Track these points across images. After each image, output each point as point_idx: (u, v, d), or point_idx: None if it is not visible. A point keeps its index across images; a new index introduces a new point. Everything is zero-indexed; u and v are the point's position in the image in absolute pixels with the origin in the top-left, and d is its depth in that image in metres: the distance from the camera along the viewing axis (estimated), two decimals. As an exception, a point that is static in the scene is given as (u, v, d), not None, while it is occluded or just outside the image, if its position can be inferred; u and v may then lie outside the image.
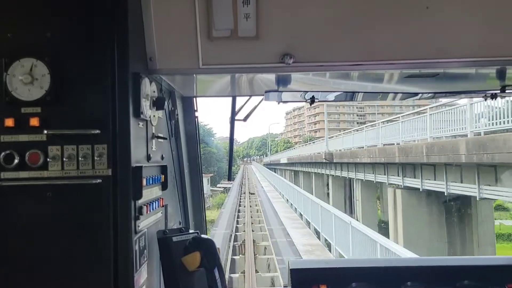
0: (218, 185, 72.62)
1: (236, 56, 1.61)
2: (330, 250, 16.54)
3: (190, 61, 1.61)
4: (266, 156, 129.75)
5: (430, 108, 17.28)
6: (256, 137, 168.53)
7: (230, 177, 3.55)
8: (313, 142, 54.62)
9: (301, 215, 25.94)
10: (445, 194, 16.64)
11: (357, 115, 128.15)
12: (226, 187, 62.82)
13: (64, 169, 1.39)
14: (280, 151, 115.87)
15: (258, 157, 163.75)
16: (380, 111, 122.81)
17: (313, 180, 45.32)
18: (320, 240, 18.58)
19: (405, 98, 2.29)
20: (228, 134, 2.44)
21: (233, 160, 2.71)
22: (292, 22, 1.60)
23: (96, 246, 1.38)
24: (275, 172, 67.27)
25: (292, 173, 63.11)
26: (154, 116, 1.70)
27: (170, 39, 1.61)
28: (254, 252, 16.30)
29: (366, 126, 29.20)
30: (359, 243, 12.51)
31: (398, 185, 20.41)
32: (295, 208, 28.91)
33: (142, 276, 1.52)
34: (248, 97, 2.24)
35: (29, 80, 1.38)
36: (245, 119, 2.26)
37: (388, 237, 14.24)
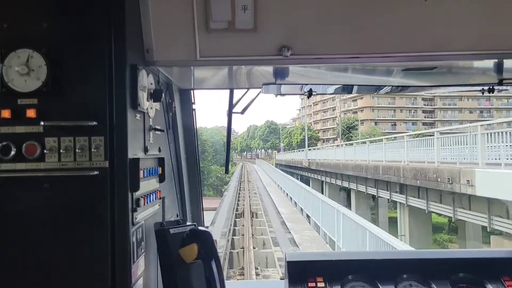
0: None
1: (233, 48, 1.61)
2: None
3: (188, 53, 1.60)
4: (279, 151, 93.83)
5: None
6: (261, 127, 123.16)
7: (227, 170, 3.57)
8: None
9: None
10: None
11: (423, 111, 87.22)
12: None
13: (61, 160, 1.39)
14: (296, 143, 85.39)
15: (263, 150, 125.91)
16: (458, 106, 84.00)
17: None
18: None
19: (402, 91, 2.28)
20: (222, 124, 2.28)
21: (230, 155, 2.72)
22: (290, 14, 1.59)
23: (93, 238, 1.38)
24: (307, 184, 36.29)
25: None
26: (151, 108, 1.69)
27: (168, 30, 1.60)
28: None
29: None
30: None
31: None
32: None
33: (139, 268, 1.53)
34: (246, 90, 2.24)
35: (26, 71, 1.37)
36: (242, 112, 2.26)
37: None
